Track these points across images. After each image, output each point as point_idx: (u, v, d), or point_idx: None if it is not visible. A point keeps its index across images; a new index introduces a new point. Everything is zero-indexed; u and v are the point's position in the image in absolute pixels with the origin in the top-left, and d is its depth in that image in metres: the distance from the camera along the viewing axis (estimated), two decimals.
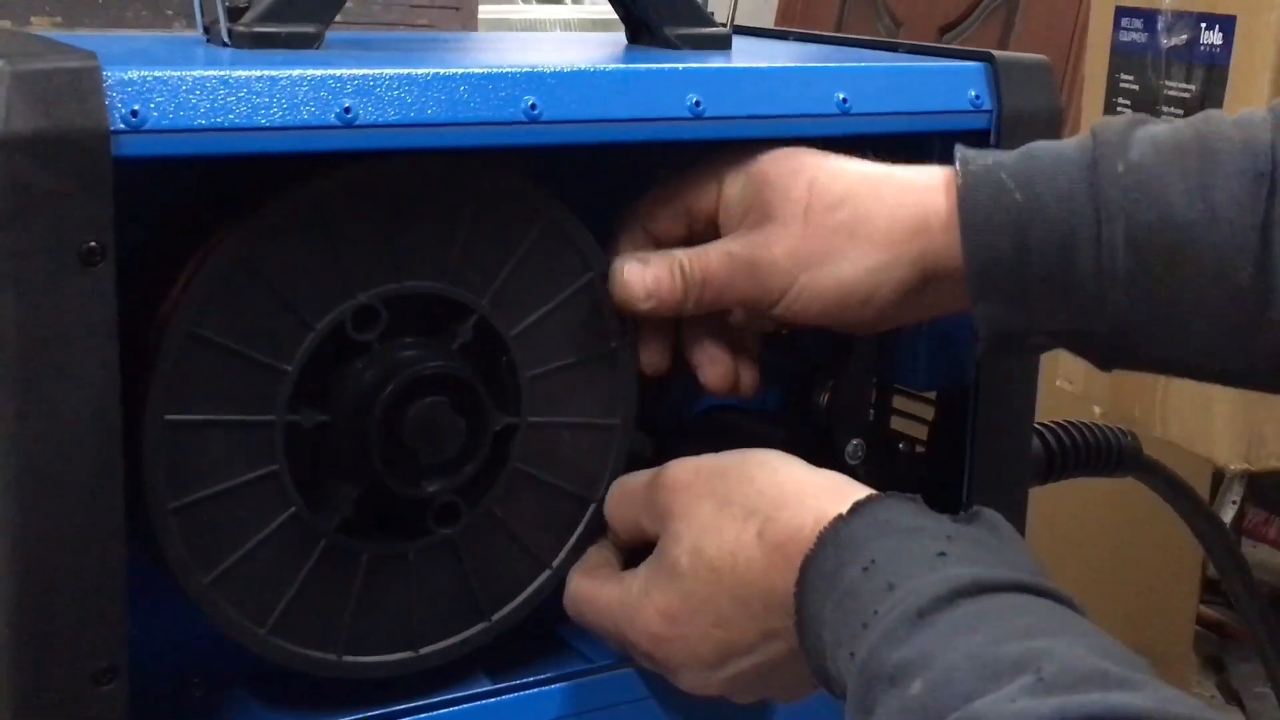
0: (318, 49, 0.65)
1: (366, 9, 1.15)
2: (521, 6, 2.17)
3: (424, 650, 0.67)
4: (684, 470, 0.65)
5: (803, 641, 0.57)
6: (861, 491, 0.59)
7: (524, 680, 0.69)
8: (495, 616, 0.68)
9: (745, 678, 0.62)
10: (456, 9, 1.27)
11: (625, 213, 0.71)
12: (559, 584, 0.69)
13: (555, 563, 0.69)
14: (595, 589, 0.67)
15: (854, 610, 0.54)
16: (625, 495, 0.68)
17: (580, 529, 0.69)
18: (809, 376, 0.80)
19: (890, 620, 0.51)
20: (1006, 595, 0.51)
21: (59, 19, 1.22)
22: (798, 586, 0.57)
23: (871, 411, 0.83)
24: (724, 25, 0.75)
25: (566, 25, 2.09)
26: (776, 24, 2.81)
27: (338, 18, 0.67)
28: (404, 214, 0.62)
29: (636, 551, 0.67)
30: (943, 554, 0.54)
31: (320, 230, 0.60)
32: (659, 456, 0.74)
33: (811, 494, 0.60)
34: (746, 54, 0.74)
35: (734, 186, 0.68)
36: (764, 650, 0.61)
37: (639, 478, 0.67)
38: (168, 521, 0.59)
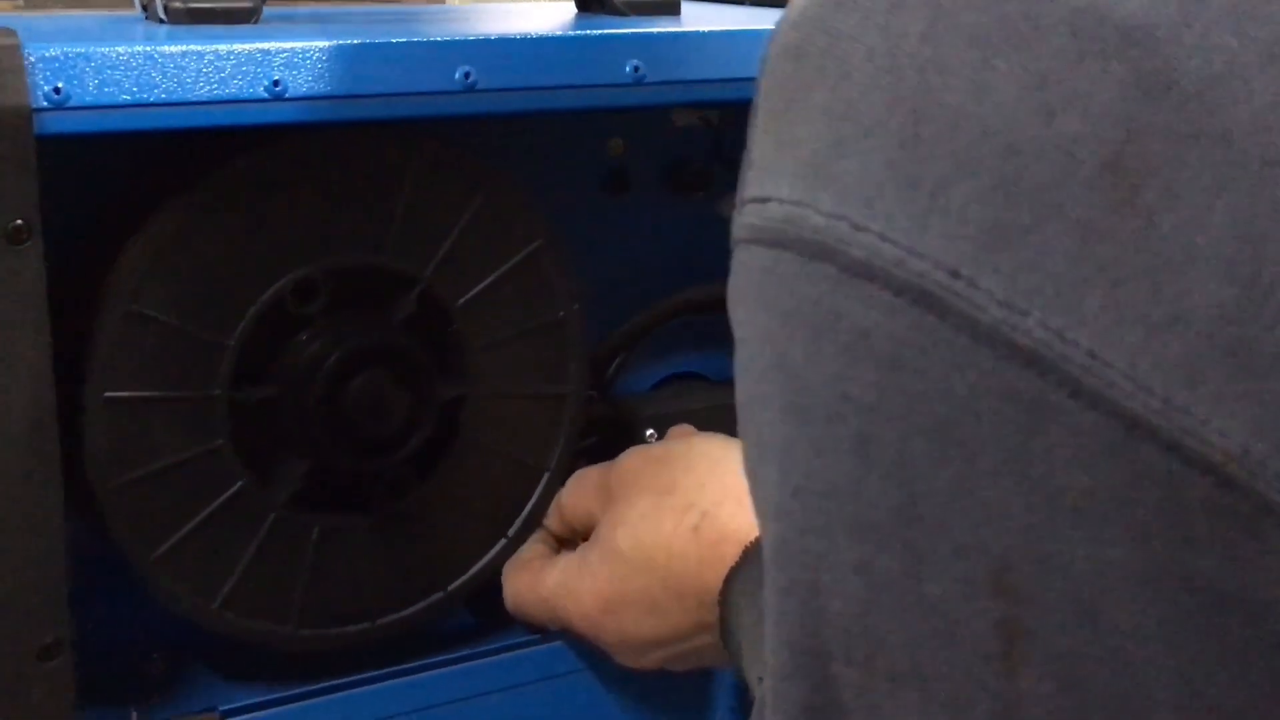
0: (254, 24, 0.65)
1: None
2: None
3: (381, 621, 0.67)
4: (635, 458, 0.66)
5: (726, 644, 0.58)
6: None
7: (485, 648, 0.69)
8: (451, 587, 0.68)
9: (680, 659, 0.64)
10: None
11: None
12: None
13: (511, 532, 0.69)
14: (533, 580, 0.67)
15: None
16: (581, 484, 0.68)
17: (534, 498, 0.69)
18: None
19: None
20: None
21: (20, 2, 1.22)
22: (721, 596, 0.58)
23: None
24: None
25: None
26: None
27: None
28: (342, 186, 0.62)
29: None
30: None
31: (257, 205, 0.60)
32: (618, 423, 0.74)
33: None
34: (694, 19, 0.73)
35: None
36: (698, 639, 0.62)
37: (595, 468, 0.68)
38: (112, 499, 0.59)
